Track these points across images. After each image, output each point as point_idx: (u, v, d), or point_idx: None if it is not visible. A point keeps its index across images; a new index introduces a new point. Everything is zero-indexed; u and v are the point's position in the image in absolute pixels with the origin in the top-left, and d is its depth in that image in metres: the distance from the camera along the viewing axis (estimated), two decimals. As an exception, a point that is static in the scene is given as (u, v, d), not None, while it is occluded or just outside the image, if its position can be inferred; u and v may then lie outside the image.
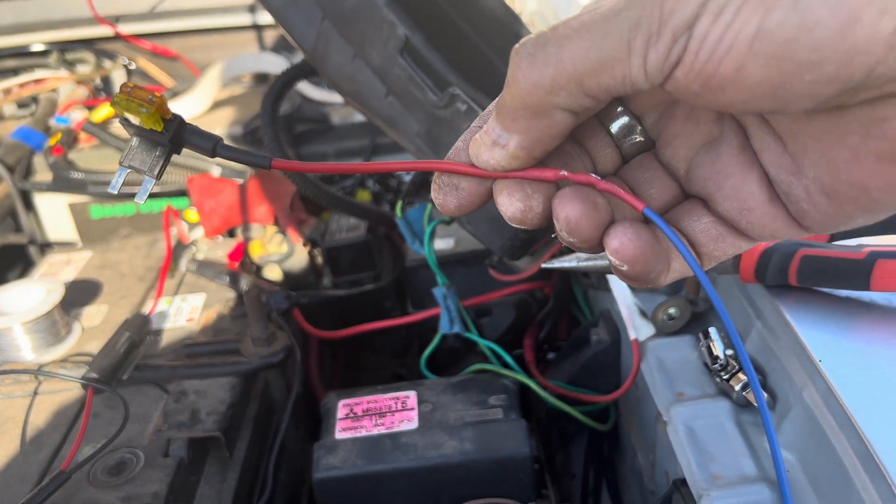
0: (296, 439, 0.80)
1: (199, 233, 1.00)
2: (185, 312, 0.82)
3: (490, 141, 0.30)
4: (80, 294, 0.88)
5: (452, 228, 0.90)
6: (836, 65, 0.23)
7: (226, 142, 0.31)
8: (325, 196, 0.85)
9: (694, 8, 0.24)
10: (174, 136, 0.30)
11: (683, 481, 0.55)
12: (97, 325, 0.82)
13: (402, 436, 0.63)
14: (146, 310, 0.83)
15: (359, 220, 0.94)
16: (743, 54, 0.24)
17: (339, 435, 0.64)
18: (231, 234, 0.99)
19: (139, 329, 0.73)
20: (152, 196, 1.14)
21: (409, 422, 0.65)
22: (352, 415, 0.66)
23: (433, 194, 0.33)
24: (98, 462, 0.61)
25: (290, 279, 0.94)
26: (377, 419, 0.65)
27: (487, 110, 0.32)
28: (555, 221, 0.30)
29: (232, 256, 0.91)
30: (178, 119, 0.30)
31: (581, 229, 0.29)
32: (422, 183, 0.75)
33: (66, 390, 0.72)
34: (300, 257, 0.95)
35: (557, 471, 0.80)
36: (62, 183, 1.10)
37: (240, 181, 0.99)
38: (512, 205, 0.30)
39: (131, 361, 0.70)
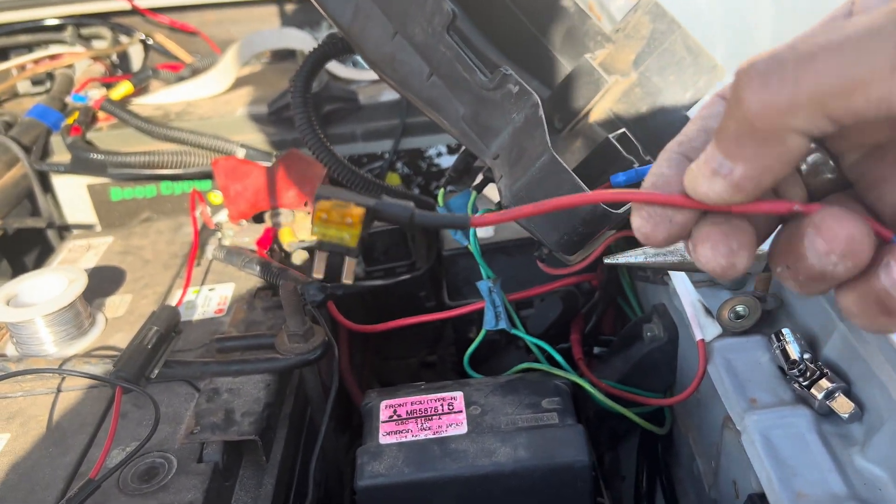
0: (329, 436, 0.76)
1: (222, 216, 0.96)
2: (214, 303, 0.78)
3: (710, 171, 0.28)
4: (102, 282, 0.85)
5: (492, 215, 0.85)
6: None
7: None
8: (357, 180, 0.80)
9: None
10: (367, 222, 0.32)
11: (762, 496, 0.51)
12: (121, 315, 0.78)
13: (451, 441, 0.59)
14: (173, 300, 0.79)
15: (392, 206, 0.90)
16: None
17: (384, 440, 0.60)
18: (258, 219, 0.94)
19: (168, 322, 0.69)
20: (172, 178, 1.10)
21: (457, 426, 0.60)
22: (396, 417, 0.62)
23: (636, 222, 0.30)
24: (128, 468, 0.58)
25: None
26: (423, 422, 0.61)
27: (692, 133, 0.31)
28: (813, 252, 0.27)
29: (260, 243, 0.87)
30: (371, 210, 0.31)
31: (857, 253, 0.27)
32: (464, 169, 0.71)
33: (91, 387, 0.68)
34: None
35: (607, 473, 0.76)
36: (81, 164, 1.05)
37: (267, 164, 0.95)
38: (714, 260, 0.29)
39: (160, 358, 0.66)
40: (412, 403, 0.63)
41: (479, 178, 0.68)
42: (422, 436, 0.60)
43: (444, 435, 0.60)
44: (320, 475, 0.74)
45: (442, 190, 0.70)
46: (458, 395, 0.64)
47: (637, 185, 0.62)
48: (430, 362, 1.05)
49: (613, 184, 0.60)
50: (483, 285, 0.69)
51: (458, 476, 0.57)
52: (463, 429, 0.60)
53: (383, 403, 0.64)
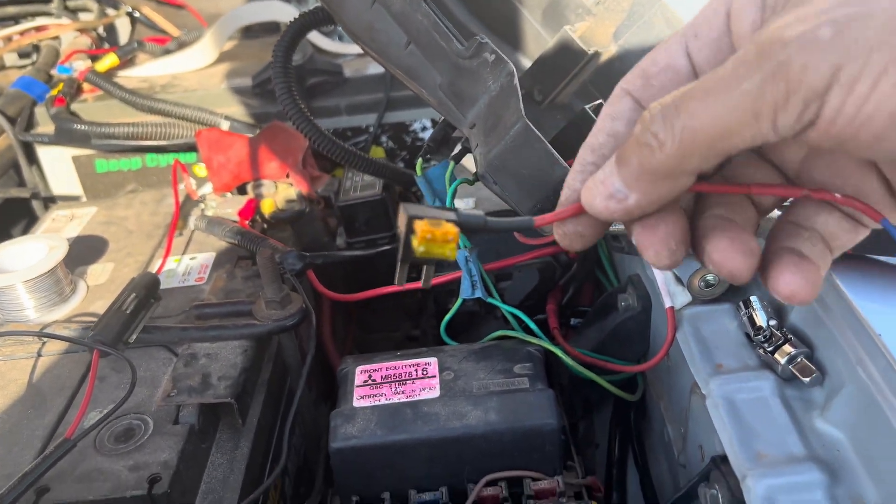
0: (309, 405, 0.77)
1: (207, 188, 0.96)
2: (195, 272, 0.79)
3: (607, 193, 0.32)
4: (84, 251, 0.85)
5: (473, 188, 0.86)
6: None
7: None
8: (340, 151, 0.80)
9: (824, 77, 0.24)
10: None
11: (724, 458, 0.52)
12: (103, 283, 0.79)
13: (423, 404, 0.60)
14: (154, 269, 0.79)
15: (374, 178, 0.90)
16: (883, 127, 0.25)
17: (357, 402, 0.61)
18: (241, 190, 0.95)
19: (147, 289, 0.69)
20: (158, 150, 1.10)
21: (430, 390, 0.61)
22: (370, 382, 0.63)
23: (556, 237, 0.36)
24: (105, 429, 0.59)
25: (303, 238, 0.91)
26: (397, 386, 0.62)
27: (602, 139, 0.34)
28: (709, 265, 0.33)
29: (242, 214, 0.88)
30: (458, 224, 0.35)
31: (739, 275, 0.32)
32: (443, 139, 0.71)
33: (70, 352, 0.69)
34: (313, 216, 0.91)
35: (581, 440, 0.77)
36: (65, 135, 1.05)
37: (250, 135, 0.95)
38: (659, 262, 0.33)
39: (139, 323, 0.66)
40: (387, 369, 0.64)
41: (458, 148, 0.69)
42: (395, 399, 0.61)
43: (416, 398, 0.61)
44: (298, 441, 0.75)
45: (420, 160, 0.70)
46: (433, 360, 0.65)
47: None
48: (414, 336, 1.06)
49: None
50: (460, 255, 0.69)
51: (430, 438, 0.58)
52: (436, 393, 0.61)
53: (359, 368, 0.65)
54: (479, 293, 0.70)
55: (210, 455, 0.61)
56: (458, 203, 0.81)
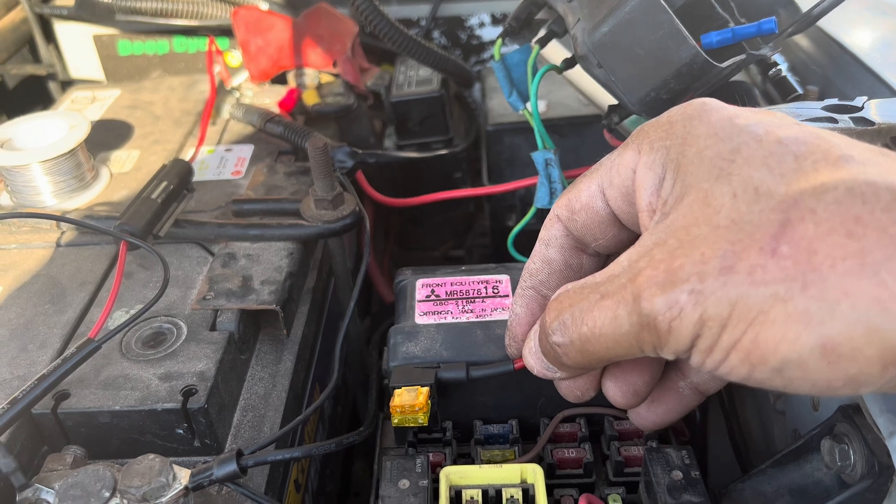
0: (354, 320, 0.70)
1: (242, 77, 0.86)
2: (230, 164, 0.70)
3: (540, 365, 0.41)
4: (107, 135, 0.76)
5: (544, 88, 0.76)
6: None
7: None
8: (399, 36, 0.70)
9: (686, 342, 0.30)
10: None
11: (856, 409, 0.44)
12: (128, 171, 0.71)
13: (495, 326, 0.52)
14: (185, 157, 0.71)
15: (431, 73, 0.80)
16: (743, 377, 0.30)
17: (420, 319, 0.53)
18: (280, 79, 0.85)
19: (179, 177, 0.61)
20: (187, 32, 0.99)
21: (503, 311, 0.53)
22: (434, 297, 0.55)
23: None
24: (132, 331, 0.51)
25: (347, 137, 0.81)
26: (465, 304, 0.54)
27: (538, 265, 0.43)
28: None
29: (282, 105, 0.78)
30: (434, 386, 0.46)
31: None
32: (526, 20, 0.61)
33: (92, 244, 0.61)
34: (361, 112, 0.81)
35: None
36: (86, 8, 0.95)
37: (293, 17, 0.84)
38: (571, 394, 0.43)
39: (171, 215, 0.58)
40: (452, 284, 0.56)
41: (542, 31, 0.59)
42: (463, 318, 0.53)
43: (487, 319, 0.53)
44: (341, 358, 0.68)
45: (499, 41, 0.60)
46: (504, 278, 0.57)
47: (731, 47, 0.52)
48: (456, 256, 0.98)
49: (704, 44, 0.51)
50: (539, 156, 0.60)
51: (500, 364, 0.50)
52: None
53: (420, 282, 0.57)
54: (556, 205, 0.61)
55: (250, 367, 0.53)
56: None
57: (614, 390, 0.42)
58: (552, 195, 0.61)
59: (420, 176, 0.79)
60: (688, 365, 0.42)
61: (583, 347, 0.34)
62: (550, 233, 0.42)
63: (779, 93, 0.67)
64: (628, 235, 0.42)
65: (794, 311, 0.27)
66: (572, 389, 0.43)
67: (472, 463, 0.49)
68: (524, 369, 0.45)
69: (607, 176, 0.38)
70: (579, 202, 0.39)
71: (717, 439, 0.61)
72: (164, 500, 0.39)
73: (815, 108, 0.51)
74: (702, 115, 0.34)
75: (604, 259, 0.45)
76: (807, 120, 0.46)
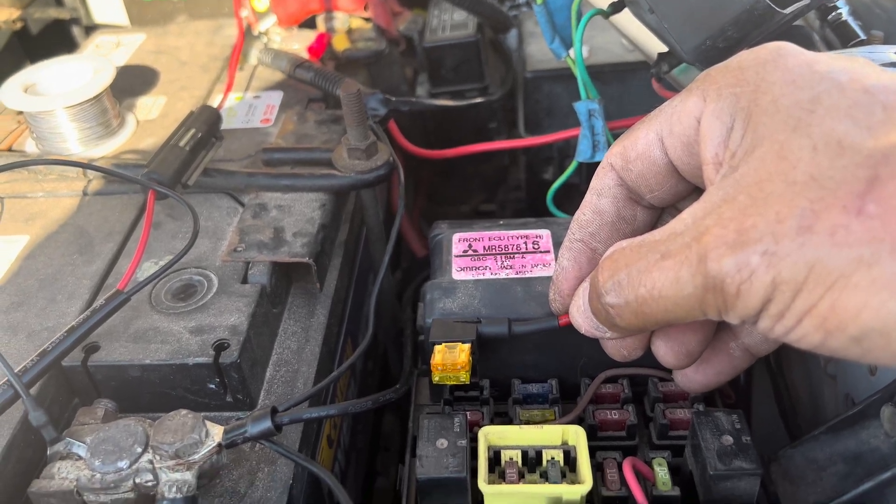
0: (386, 275, 0.68)
1: (269, 22, 0.83)
2: (259, 112, 0.68)
3: (589, 325, 0.38)
4: (132, 81, 0.74)
5: (586, 33, 0.72)
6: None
7: None
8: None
9: (755, 307, 0.28)
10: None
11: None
12: (154, 118, 0.69)
13: (536, 283, 0.50)
14: (212, 104, 0.68)
15: (466, 17, 0.76)
16: (814, 345, 0.28)
17: (457, 275, 0.51)
18: (309, 25, 0.82)
19: (208, 125, 0.59)
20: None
21: (544, 267, 0.51)
22: (471, 252, 0.53)
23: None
24: (161, 283, 0.50)
25: (378, 84, 0.78)
26: (504, 260, 0.52)
27: (588, 216, 0.40)
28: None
29: (311, 51, 0.75)
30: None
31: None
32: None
33: (120, 192, 0.59)
34: (393, 58, 0.78)
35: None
36: (109, -50, 0.92)
37: (322, -43, 0.81)
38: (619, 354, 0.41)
39: (199, 163, 0.56)
40: (490, 239, 0.54)
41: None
42: (502, 274, 0.51)
43: (528, 275, 0.51)
44: (377, 316, 0.66)
45: (543, -21, 0.56)
46: (545, 233, 0.54)
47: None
48: (487, 210, 0.96)
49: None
50: (582, 106, 0.57)
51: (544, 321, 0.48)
52: (550, 270, 0.51)
53: (456, 236, 0.54)
54: (600, 156, 0.59)
55: (282, 322, 0.52)
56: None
57: (665, 350, 0.39)
58: (595, 148, 0.58)
59: (453, 126, 0.77)
60: (742, 325, 0.40)
61: (639, 309, 0.32)
62: (603, 182, 0.39)
63: (839, 39, 0.63)
64: (686, 188, 0.39)
65: (880, 276, 0.25)
66: (619, 349, 0.41)
67: (510, 423, 0.48)
68: (568, 327, 0.43)
69: (667, 123, 0.35)
70: (635, 150, 0.37)
71: (761, 403, 0.59)
72: (196, 457, 0.38)
73: (887, 52, 0.47)
74: (777, 61, 0.31)
75: (658, 212, 0.42)
76: (884, 65, 0.43)
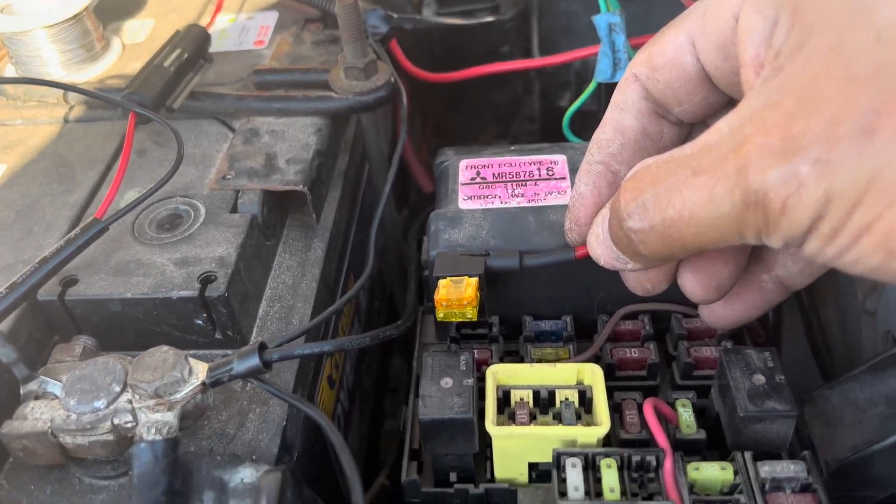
0: (390, 208, 0.64)
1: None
2: (252, 33, 0.63)
3: (610, 256, 0.34)
4: (118, 3, 0.69)
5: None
6: None
7: None
8: None
9: (803, 226, 0.25)
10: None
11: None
12: (141, 41, 0.64)
13: (550, 212, 0.46)
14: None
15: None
16: (871, 268, 0.25)
17: (464, 204, 0.47)
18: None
19: (195, 45, 0.54)
20: None
21: (559, 195, 0.47)
22: (479, 179, 0.49)
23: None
24: (145, 213, 0.46)
25: (381, 1, 0.73)
26: (514, 188, 0.48)
27: (610, 135, 0.36)
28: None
29: (309, -32, 0.70)
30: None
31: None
32: None
33: (103, 119, 0.55)
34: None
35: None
36: None
37: None
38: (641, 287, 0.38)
39: (185, 86, 0.52)
40: (500, 165, 0.50)
41: None
42: (513, 203, 0.47)
43: (541, 204, 0.47)
44: (377, 247, 0.63)
45: None
46: (560, 158, 0.50)
47: None
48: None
49: None
50: (602, 20, 0.52)
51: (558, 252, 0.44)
52: (566, 198, 0.47)
53: (463, 162, 0.50)
54: (620, 76, 0.54)
55: (277, 255, 0.48)
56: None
57: (693, 283, 0.36)
58: (616, 67, 0.53)
59: (461, 49, 0.71)
60: (775, 255, 0.36)
61: (666, 234, 0.29)
62: (626, 95, 0.36)
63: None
64: (719, 99, 0.35)
65: None
66: (641, 282, 0.37)
67: (521, 362, 0.45)
68: (585, 258, 0.39)
69: (699, 24, 0.32)
70: (663, 57, 0.33)
71: (791, 341, 0.55)
72: (178, 396, 0.35)
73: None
74: None
75: (688, 129, 0.38)
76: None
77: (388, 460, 0.63)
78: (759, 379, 0.38)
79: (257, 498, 0.33)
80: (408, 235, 0.71)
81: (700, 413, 0.42)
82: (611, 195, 0.37)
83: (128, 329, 0.42)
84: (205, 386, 0.36)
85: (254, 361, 0.36)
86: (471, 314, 0.40)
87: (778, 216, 0.25)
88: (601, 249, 0.35)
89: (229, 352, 0.43)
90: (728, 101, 0.35)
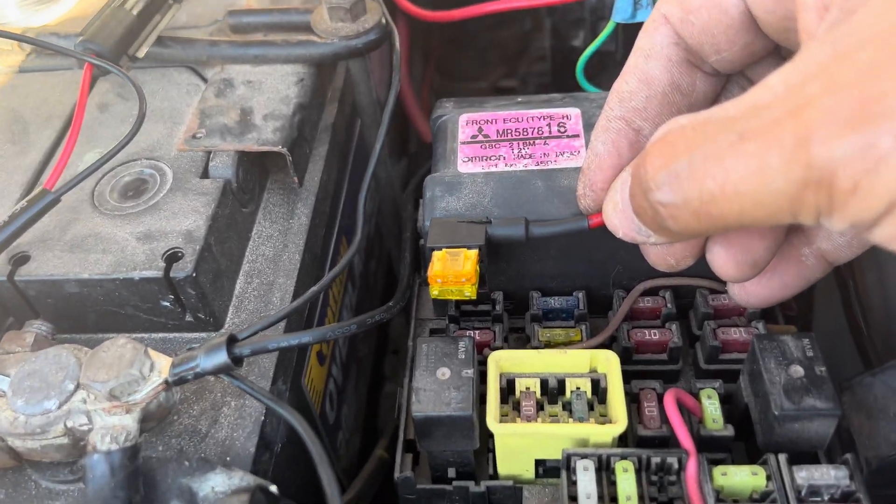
0: (383, 162, 0.59)
1: None
2: (229, -31, 0.57)
3: (628, 225, 0.30)
4: (83, -65, 0.63)
5: None
6: None
7: None
8: None
9: (877, 208, 0.21)
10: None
11: None
12: (106, -20, 0.58)
13: (561, 175, 0.40)
14: (174, -39, 0.57)
15: None
16: None
17: (464, 167, 0.42)
18: None
19: (160, -17, 0.48)
20: None
21: (572, 155, 0.42)
22: (482, 137, 0.43)
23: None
24: (106, 179, 0.41)
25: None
26: (521, 147, 0.42)
27: (633, 86, 0.31)
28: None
29: None
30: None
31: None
32: None
33: (62, 68, 0.50)
34: None
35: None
36: None
37: None
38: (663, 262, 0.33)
39: (151, 31, 0.46)
40: (505, 120, 0.44)
41: None
42: (518, 165, 0.41)
43: (551, 166, 0.41)
44: (371, 208, 0.58)
45: None
46: (574, 112, 0.44)
47: None
48: (507, 87, 0.85)
49: None
50: (621, -49, 0.45)
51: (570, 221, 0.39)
52: (579, 159, 0.41)
53: (464, 117, 0.45)
54: (641, 17, 0.47)
55: (255, 224, 0.43)
56: None
57: (725, 259, 0.31)
58: (637, 5, 0.47)
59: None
60: (818, 228, 0.31)
61: (703, 210, 0.24)
62: (653, 39, 0.31)
63: None
64: (764, 47, 0.29)
65: None
66: (665, 257, 0.33)
67: (528, 343, 0.40)
68: (600, 228, 0.34)
69: None
70: None
71: (825, 317, 0.51)
72: (137, 397, 0.31)
73: None
74: None
75: (723, 81, 0.32)
76: None
77: (388, 428, 0.60)
78: (797, 371, 0.34)
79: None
80: (406, 190, 0.66)
81: (726, 400, 0.37)
82: (632, 157, 0.32)
83: (88, 311, 0.38)
84: (167, 384, 0.32)
85: (222, 358, 0.31)
86: (469, 292, 0.36)
87: (846, 197, 0.21)
88: (619, 220, 0.31)
89: (203, 335, 0.39)
90: (775, 48, 0.30)
